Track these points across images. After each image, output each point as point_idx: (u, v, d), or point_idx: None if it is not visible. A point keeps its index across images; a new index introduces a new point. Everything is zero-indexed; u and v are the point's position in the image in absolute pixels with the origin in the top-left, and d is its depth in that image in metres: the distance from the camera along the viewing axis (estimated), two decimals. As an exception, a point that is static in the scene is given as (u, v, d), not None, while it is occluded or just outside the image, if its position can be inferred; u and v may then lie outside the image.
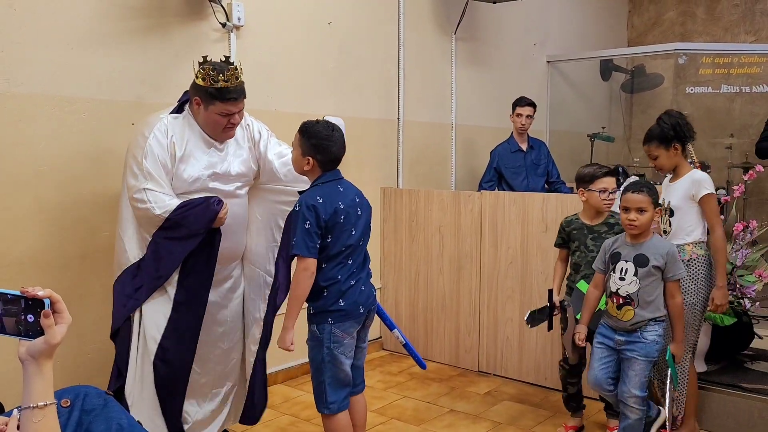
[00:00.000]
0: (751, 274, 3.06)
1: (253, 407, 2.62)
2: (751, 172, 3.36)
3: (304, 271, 2.18)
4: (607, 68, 6.24)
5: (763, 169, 3.40)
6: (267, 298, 2.55)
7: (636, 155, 6.34)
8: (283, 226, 2.55)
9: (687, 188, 2.66)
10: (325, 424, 2.33)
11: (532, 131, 4.50)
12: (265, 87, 3.41)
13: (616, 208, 2.72)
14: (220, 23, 3.16)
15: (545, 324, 2.89)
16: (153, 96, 2.93)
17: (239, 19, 3.24)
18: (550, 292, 2.90)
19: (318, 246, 2.19)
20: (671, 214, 2.70)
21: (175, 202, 2.25)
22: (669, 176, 2.80)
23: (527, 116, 4.30)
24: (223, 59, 2.40)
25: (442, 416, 3.15)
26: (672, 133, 2.66)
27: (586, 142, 5.59)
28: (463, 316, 3.81)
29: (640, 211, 2.43)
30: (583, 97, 6.18)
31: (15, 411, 1.35)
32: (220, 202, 2.28)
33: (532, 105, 4.32)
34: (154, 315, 2.32)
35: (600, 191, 2.74)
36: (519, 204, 3.57)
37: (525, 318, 2.86)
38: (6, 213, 2.51)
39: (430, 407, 3.26)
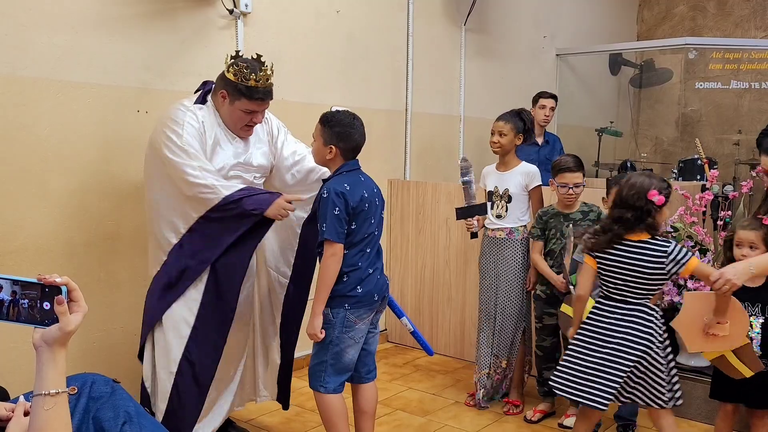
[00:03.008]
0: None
1: (289, 390, 2.71)
2: (759, 167, 3.33)
3: (333, 256, 2.21)
4: (616, 62, 6.19)
5: (772, 165, 3.36)
6: (281, 297, 2.60)
7: (643, 150, 6.30)
8: (299, 231, 2.57)
9: (522, 179, 2.99)
10: (318, 402, 2.34)
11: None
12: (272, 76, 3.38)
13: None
14: (227, 10, 3.13)
15: None
16: (158, 82, 2.90)
17: (246, 5, 3.20)
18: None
19: (345, 232, 2.22)
20: (509, 200, 3.02)
21: (236, 185, 2.26)
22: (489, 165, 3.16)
23: (550, 108, 4.26)
24: (256, 57, 2.38)
25: (447, 407, 3.13)
26: (523, 125, 3.04)
27: (593, 136, 5.56)
28: (468, 309, 3.79)
29: None
30: (591, 91, 6.13)
31: (21, 397, 1.33)
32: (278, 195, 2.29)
33: (555, 97, 4.29)
34: (180, 315, 2.32)
35: (560, 185, 2.84)
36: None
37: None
38: (10, 199, 2.49)
39: (435, 399, 3.24)
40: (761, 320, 2.36)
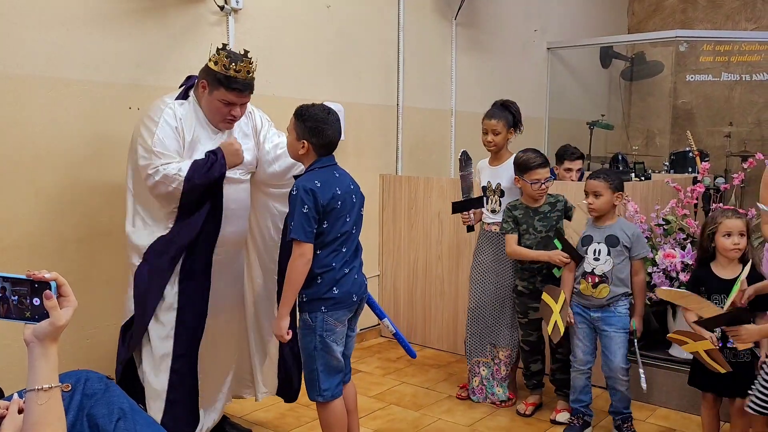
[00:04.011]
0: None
1: (290, 383, 2.67)
2: (750, 160, 3.37)
3: (301, 257, 2.12)
4: (607, 55, 6.22)
5: (763, 157, 3.39)
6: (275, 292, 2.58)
7: (635, 143, 6.33)
8: (281, 226, 2.54)
9: (512, 173, 3.00)
10: (320, 412, 2.30)
11: (530, 119, 4.44)
12: (263, 71, 3.32)
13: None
14: (218, 6, 3.13)
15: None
16: (149, 79, 2.90)
17: (237, 2, 3.20)
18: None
19: (315, 231, 2.15)
20: (502, 194, 3.05)
21: (187, 163, 2.25)
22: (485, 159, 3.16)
23: (577, 170, 3.74)
24: (242, 52, 2.35)
25: (440, 402, 3.15)
26: (512, 119, 3.05)
27: (585, 129, 5.58)
28: (461, 303, 3.81)
29: (596, 195, 2.67)
30: (582, 84, 6.15)
31: (15, 395, 1.34)
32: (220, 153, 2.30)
33: (582, 157, 3.78)
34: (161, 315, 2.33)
35: (532, 182, 2.87)
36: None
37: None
38: (2, 196, 2.48)
39: (429, 393, 3.26)
40: None
